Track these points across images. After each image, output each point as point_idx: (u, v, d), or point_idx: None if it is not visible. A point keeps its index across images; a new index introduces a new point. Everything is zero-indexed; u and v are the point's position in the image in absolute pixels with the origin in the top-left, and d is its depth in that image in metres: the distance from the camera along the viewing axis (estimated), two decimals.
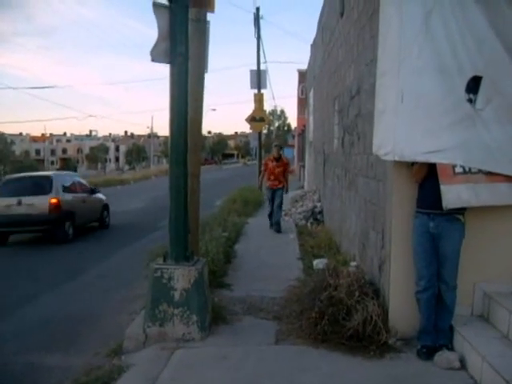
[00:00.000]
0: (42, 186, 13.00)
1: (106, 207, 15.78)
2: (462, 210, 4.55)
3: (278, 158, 12.11)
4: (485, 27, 4.48)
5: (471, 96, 4.47)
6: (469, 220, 4.61)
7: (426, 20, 4.53)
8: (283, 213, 13.24)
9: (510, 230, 4.85)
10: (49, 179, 13.36)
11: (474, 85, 4.45)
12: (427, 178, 4.58)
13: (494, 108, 4.49)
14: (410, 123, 4.52)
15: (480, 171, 4.48)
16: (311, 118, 18.46)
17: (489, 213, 4.74)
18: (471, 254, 4.70)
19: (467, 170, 4.48)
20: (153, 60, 5.18)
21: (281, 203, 12.11)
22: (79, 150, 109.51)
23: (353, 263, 6.72)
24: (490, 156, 4.43)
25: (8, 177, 15.68)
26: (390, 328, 4.92)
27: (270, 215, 12.37)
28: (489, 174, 4.48)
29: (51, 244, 12.66)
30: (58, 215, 12.66)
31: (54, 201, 12.72)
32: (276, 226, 11.93)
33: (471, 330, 4.54)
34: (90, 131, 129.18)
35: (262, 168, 12.99)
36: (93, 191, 15.35)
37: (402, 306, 4.92)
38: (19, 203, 12.55)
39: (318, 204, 13.47)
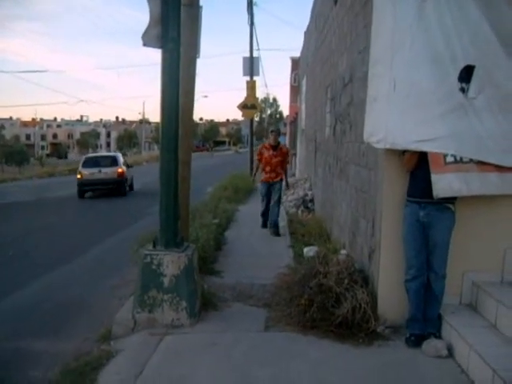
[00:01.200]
0: (111, 161, 21.32)
1: (132, 177, 23.06)
2: (452, 199, 4.55)
3: (276, 146, 10.10)
4: (479, 18, 4.47)
5: (464, 85, 4.47)
6: (459, 209, 4.62)
7: (419, 9, 4.51)
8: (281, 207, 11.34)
9: (499, 219, 4.86)
10: (115, 157, 22.29)
11: (466, 74, 4.45)
12: (418, 166, 4.58)
13: (487, 98, 4.49)
14: (403, 112, 4.52)
15: (471, 161, 4.48)
16: (303, 106, 18.43)
17: (479, 202, 4.75)
18: (461, 244, 4.72)
19: (458, 159, 4.47)
20: (144, 45, 5.14)
21: (279, 199, 10.37)
22: (70, 136, 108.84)
23: (343, 251, 6.73)
24: (482, 146, 4.44)
25: (87, 155, 25.03)
26: (378, 316, 4.95)
27: (264, 214, 10.54)
28: (480, 163, 4.49)
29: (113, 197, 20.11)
30: (121, 179, 20.91)
31: (120, 170, 20.91)
32: (273, 229, 10.05)
33: (459, 319, 4.57)
34: (81, 116, 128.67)
35: (256, 157, 10.93)
36: (129, 166, 23.20)
37: (390, 294, 4.94)
38: (100, 171, 20.54)
39: (309, 192, 13.46)
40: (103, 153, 35.65)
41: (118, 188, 20.74)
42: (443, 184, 4.43)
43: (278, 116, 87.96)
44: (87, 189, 20.79)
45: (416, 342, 4.58)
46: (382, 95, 4.74)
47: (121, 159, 22.04)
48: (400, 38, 4.61)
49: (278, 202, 10.33)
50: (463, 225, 4.70)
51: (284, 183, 10.52)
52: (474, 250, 4.85)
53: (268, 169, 10.17)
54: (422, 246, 4.61)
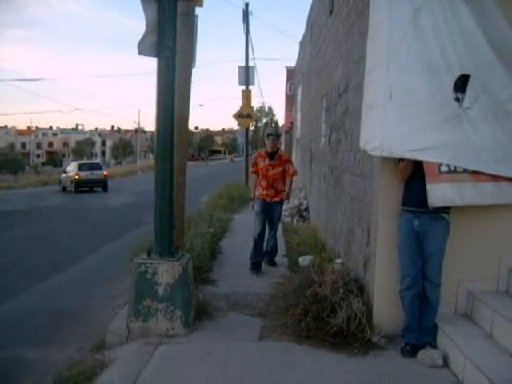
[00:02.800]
0: (98, 166, 31.97)
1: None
2: (447, 209, 4.54)
3: (273, 154, 7.78)
4: (474, 27, 4.50)
5: (459, 95, 4.49)
6: (454, 218, 4.62)
7: (414, 18, 4.54)
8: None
9: (495, 228, 4.87)
10: (99, 164, 34.42)
11: (461, 83, 4.47)
12: (413, 176, 4.58)
13: (481, 107, 4.51)
14: (398, 120, 4.52)
15: (465, 170, 4.50)
16: (299, 115, 18.46)
17: (475, 211, 4.75)
18: (456, 252, 4.72)
19: (452, 169, 4.49)
20: (140, 53, 5.15)
21: (277, 223, 8.19)
22: (65, 144, 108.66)
23: (338, 260, 6.72)
24: (476, 155, 4.45)
25: (80, 161, 35.07)
26: (374, 325, 4.93)
27: (258, 241, 7.83)
28: (474, 173, 4.50)
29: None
30: (106, 179, 30.60)
31: (105, 173, 31.13)
32: (270, 255, 8.11)
33: (455, 329, 4.56)
34: (77, 125, 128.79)
35: (251, 169, 8.42)
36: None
37: (386, 304, 4.93)
38: (92, 174, 29.85)
39: (305, 201, 13.47)
40: (91, 161, 50.27)
41: (103, 186, 30.28)
42: (438, 194, 4.43)
43: (273, 125, 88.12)
44: (82, 185, 29.65)
45: (411, 351, 4.56)
46: (378, 103, 4.75)
47: (103, 164, 35.22)
48: (396, 46, 4.62)
49: (277, 225, 8.15)
50: (459, 233, 4.70)
51: (285, 194, 8.04)
52: (469, 258, 4.85)
53: (264, 183, 7.78)
54: (416, 256, 4.58)
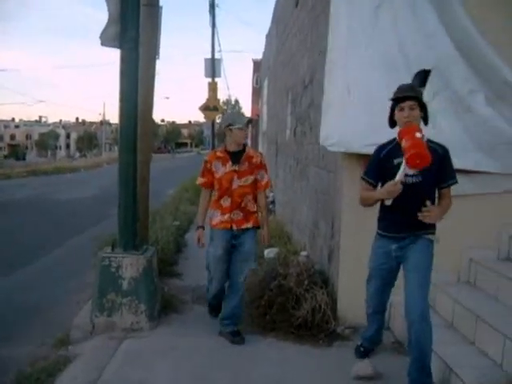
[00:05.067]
0: None
1: None
2: (430, 229, 3.81)
3: (239, 154, 4.83)
4: (435, 23, 4.57)
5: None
6: None
7: (374, 15, 4.59)
8: None
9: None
10: None
11: (421, 78, 4.53)
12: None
13: (441, 101, 4.59)
14: (357, 116, 4.56)
15: None
16: (265, 108, 18.47)
17: None
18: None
19: None
20: (102, 44, 5.07)
21: (249, 264, 4.96)
22: (28, 137, 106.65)
23: (303, 253, 6.76)
24: None
25: None
26: (338, 316, 5.00)
27: (216, 299, 5.19)
28: None
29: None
30: None
31: None
32: (232, 322, 4.94)
33: None
34: (40, 117, 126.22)
35: (200, 179, 5.01)
36: None
37: (350, 295, 4.98)
38: None
39: (271, 194, 13.48)
40: None
41: None
42: None
43: (236, 109, 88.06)
44: None
45: (364, 354, 4.46)
46: (337, 99, 4.79)
47: None
48: (355, 41, 4.67)
49: (242, 285, 4.95)
50: None
51: (263, 234, 5.03)
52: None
53: (227, 203, 4.83)
54: (385, 287, 4.11)
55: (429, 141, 3.64)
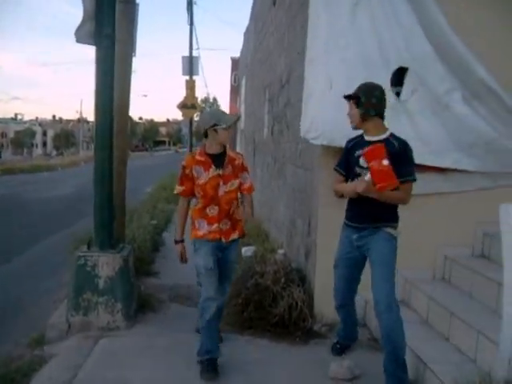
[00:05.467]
0: None
1: None
2: (391, 222, 3.93)
3: (221, 156, 4.32)
4: (413, 22, 4.62)
5: (396, 88, 4.60)
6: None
7: (351, 13, 4.61)
8: None
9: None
10: None
11: (398, 77, 4.57)
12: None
13: (419, 100, 4.64)
14: (337, 109, 4.56)
15: None
16: (243, 107, 18.45)
17: None
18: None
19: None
20: (77, 41, 5.02)
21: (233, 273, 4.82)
22: (3, 134, 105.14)
23: (280, 251, 6.77)
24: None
25: None
26: (315, 314, 5.02)
27: (213, 318, 4.21)
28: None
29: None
30: None
31: None
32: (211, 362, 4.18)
33: None
34: (16, 114, 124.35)
35: (178, 187, 4.42)
36: None
37: (327, 293, 4.94)
38: None
39: None
40: None
41: None
42: None
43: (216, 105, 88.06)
44: None
45: (340, 351, 4.53)
46: (318, 93, 4.79)
47: None
48: (334, 39, 4.68)
49: (230, 281, 4.72)
50: None
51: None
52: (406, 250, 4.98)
53: (214, 212, 4.31)
54: (350, 276, 4.20)
55: (392, 135, 3.83)
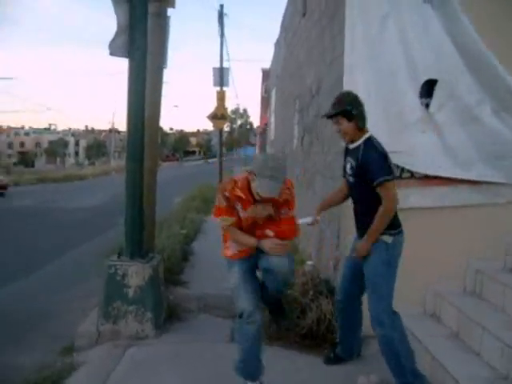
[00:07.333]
0: None
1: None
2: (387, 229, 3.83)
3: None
4: (442, 34, 4.59)
5: (425, 100, 4.57)
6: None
7: (382, 24, 4.61)
8: None
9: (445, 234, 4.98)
10: None
11: (427, 89, 4.54)
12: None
13: (448, 112, 4.60)
14: (376, 120, 4.54)
15: (412, 176, 4.60)
16: (273, 117, 18.49)
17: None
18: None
19: (398, 175, 4.60)
20: (111, 54, 5.12)
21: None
22: (37, 144, 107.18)
23: (309, 262, 6.74)
24: (436, 160, 4.55)
25: None
26: None
27: (254, 342, 4.01)
28: (426, 178, 4.67)
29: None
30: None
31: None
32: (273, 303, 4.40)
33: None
34: (50, 125, 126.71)
35: (229, 220, 3.79)
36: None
37: None
38: None
39: None
40: None
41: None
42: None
43: (248, 127, 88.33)
44: None
45: (330, 361, 4.51)
46: None
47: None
48: (368, 49, 4.68)
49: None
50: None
51: None
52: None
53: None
54: (353, 277, 4.16)
55: (370, 138, 3.84)
